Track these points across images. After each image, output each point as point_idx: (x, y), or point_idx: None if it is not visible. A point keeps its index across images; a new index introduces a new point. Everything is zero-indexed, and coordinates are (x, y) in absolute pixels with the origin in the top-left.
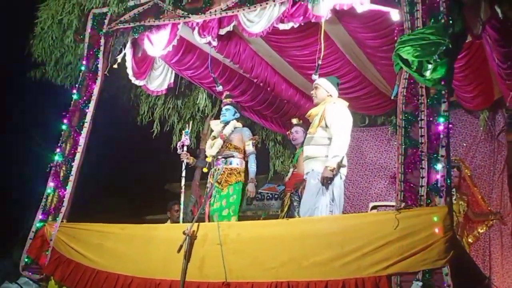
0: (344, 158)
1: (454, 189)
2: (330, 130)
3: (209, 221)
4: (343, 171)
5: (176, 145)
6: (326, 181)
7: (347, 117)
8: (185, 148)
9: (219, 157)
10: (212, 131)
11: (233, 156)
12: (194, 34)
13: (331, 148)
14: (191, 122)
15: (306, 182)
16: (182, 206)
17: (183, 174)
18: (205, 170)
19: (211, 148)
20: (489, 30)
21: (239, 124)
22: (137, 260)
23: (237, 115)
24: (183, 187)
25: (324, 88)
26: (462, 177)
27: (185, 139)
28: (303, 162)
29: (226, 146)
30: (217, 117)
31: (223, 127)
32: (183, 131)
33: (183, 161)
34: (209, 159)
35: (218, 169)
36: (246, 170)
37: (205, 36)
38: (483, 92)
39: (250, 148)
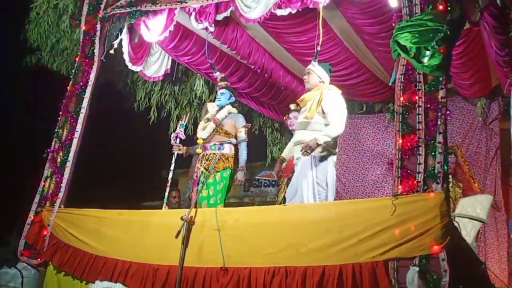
0: (337, 145)
1: (450, 176)
2: (328, 116)
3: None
4: (333, 157)
5: (171, 135)
6: (306, 150)
7: (343, 105)
8: (178, 140)
9: (209, 142)
10: (207, 112)
11: (222, 142)
12: (191, 19)
13: (326, 128)
14: (187, 115)
15: (295, 166)
16: (165, 200)
17: (172, 167)
18: (198, 151)
19: (203, 130)
20: (487, 17)
21: (234, 110)
22: (135, 245)
23: (232, 99)
24: (170, 181)
25: (317, 74)
26: (458, 163)
27: (180, 131)
28: (294, 146)
29: (217, 130)
30: (214, 99)
31: (217, 111)
32: (179, 123)
33: (173, 153)
34: (200, 141)
35: (207, 154)
36: (236, 157)
37: (202, 21)
38: (481, 80)
39: (242, 135)
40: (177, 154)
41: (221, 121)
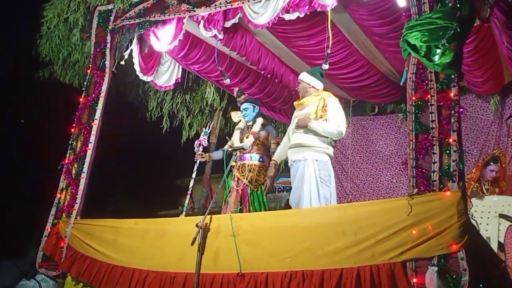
0: (330, 149)
1: (487, 182)
2: (329, 122)
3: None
4: (327, 158)
5: (194, 143)
6: (299, 123)
7: (343, 114)
8: (201, 148)
9: (248, 152)
10: (238, 122)
11: (261, 154)
12: (200, 27)
13: (323, 122)
14: (211, 123)
15: (293, 169)
16: (185, 208)
17: (193, 175)
18: (240, 162)
19: (240, 141)
20: (497, 13)
21: (264, 121)
22: (151, 254)
23: (257, 109)
24: (191, 188)
25: (306, 82)
26: (502, 171)
27: (203, 139)
28: (290, 149)
29: (255, 143)
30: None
31: (251, 125)
32: (203, 130)
33: (196, 161)
34: (238, 153)
35: (249, 165)
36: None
37: (210, 29)
38: (493, 76)
39: (274, 147)
40: (203, 161)
41: (259, 134)
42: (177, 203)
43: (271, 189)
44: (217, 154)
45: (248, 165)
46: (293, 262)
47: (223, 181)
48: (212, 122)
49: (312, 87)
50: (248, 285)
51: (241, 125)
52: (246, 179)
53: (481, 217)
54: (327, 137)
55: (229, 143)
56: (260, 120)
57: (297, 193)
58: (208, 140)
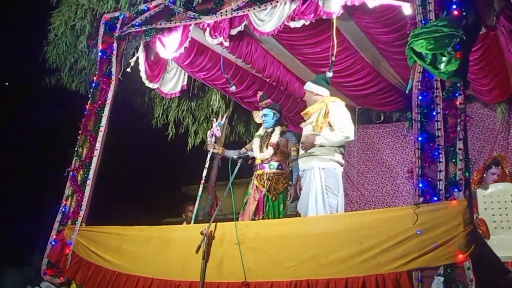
0: (338, 156)
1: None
2: (333, 126)
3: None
4: (341, 169)
5: (207, 135)
6: (304, 145)
7: (348, 115)
8: (213, 139)
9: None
10: (246, 124)
11: (280, 162)
12: (206, 35)
13: (328, 132)
14: (227, 114)
15: (301, 179)
16: (197, 204)
17: (206, 165)
18: (259, 172)
19: (259, 151)
20: (503, 21)
21: (283, 128)
22: (156, 261)
23: (277, 115)
24: (203, 180)
25: (310, 91)
26: (503, 175)
27: (216, 130)
28: (300, 158)
29: (275, 153)
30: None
31: (270, 133)
32: (216, 122)
33: (209, 150)
34: (258, 161)
35: (268, 174)
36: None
37: (216, 37)
38: (500, 85)
39: (294, 154)
40: (215, 153)
41: (277, 144)
42: (181, 210)
43: (294, 197)
44: (231, 152)
45: (267, 174)
46: (298, 271)
47: (228, 189)
48: (227, 113)
49: (317, 94)
50: None
51: (261, 131)
52: (265, 188)
53: (499, 208)
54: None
55: (247, 146)
56: (278, 129)
57: (304, 202)
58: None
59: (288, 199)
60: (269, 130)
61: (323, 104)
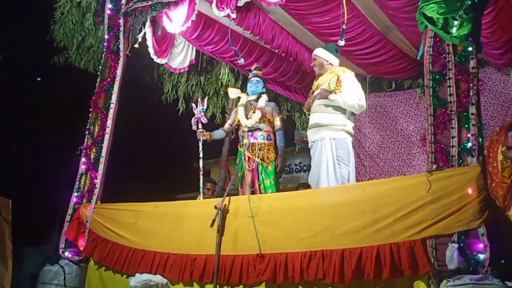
0: (349, 126)
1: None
2: (349, 95)
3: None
4: (351, 139)
5: (191, 121)
6: (320, 94)
7: (360, 86)
8: (200, 125)
9: (253, 129)
10: (238, 98)
11: (269, 130)
12: (212, 7)
13: (346, 94)
14: (206, 99)
15: (312, 150)
16: (201, 190)
17: (201, 154)
18: (245, 141)
19: (246, 118)
20: None
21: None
22: (171, 237)
23: (264, 89)
24: (201, 169)
25: (322, 58)
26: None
27: (201, 115)
28: (309, 130)
29: (261, 118)
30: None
31: (256, 100)
32: (199, 107)
33: (199, 139)
34: (245, 128)
35: (259, 144)
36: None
37: (223, 9)
38: None
39: (279, 123)
40: (203, 141)
41: (265, 108)
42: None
43: (281, 168)
44: (219, 133)
45: (259, 144)
46: (312, 242)
47: (239, 163)
48: (207, 98)
49: (330, 63)
50: (268, 266)
51: (243, 101)
52: (258, 157)
53: None
54: (345, 114)
55: (229, 122)
56: (265, 96)
57: (315, 173)
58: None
59: (277, 170)
60: (253, 97)
61: (333, 74)
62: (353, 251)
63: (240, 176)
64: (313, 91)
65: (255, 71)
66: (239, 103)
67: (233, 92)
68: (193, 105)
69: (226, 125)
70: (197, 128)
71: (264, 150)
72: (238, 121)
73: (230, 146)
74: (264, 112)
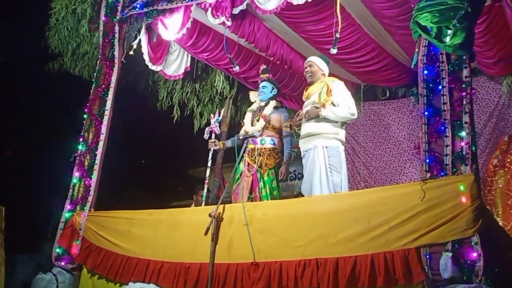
0: (341, 134)
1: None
2: (339, 106)
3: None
4: (343, 148)
5: (204, 131)
6: (308, 113)
7: (350, 95)
8: (213, 136)
9: (257, 135)
10: (250, 103)
11: (272, 137)
12: (208, 15)
13: (334, 107)
14: (223, 110)
15: (305, 159)
16: (204, 194)
17: (209, 164)
18: (251, 146)
19: (251, 125)
20: None
21: (277, 104)
22: (165, 244)
23: (275, 91)
24: (207, 178)
25: (319, 67)
26: None
27: (215, 126)
28: (301, 139)
29: (266, 126)
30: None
31: (263, 107)
32: (214, 118)
33: (210, 149)
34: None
35: (259, 149)
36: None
37: (218, 16)
38: (505, 57)
39: (287, 130)
40: (214, 150)
41: (270, 117)
42: (192, 192)
43: (286, 175)
44: (233, 141)
45: (258, 149)
46: (306, 250)
47: (235, 170)
48: (223, 109)
49: (323, 73)
50: (262, 274)
51: (254, 106)
52: (256, 164)
53: None
54: (337, 122)
55: (244, 128)
56: (273, 103)
57: (308, 182)
58: (220, 128)
59: (280, 176)
60: (263, 103)
61: (323, 84)
62: (347, 260)
63: (235, 179)
64: (302, 105)
65: (262, 75)
66: (249, 109)
67: (253, 96)
68: (211, 115)
69: (242, 131)
70: (210, 138)
71: (264, 156)
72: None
73: (225, 154)
74: (269, 120)
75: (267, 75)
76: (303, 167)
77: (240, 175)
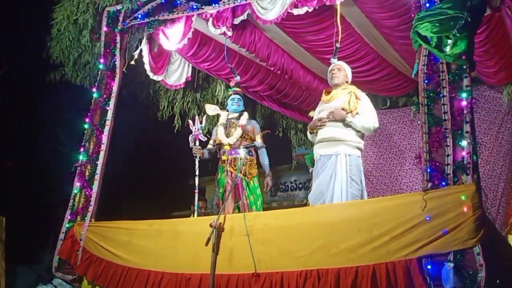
0: (362, 143)
1: None
2: (365, 117)
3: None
4: (359, 153)
5: (188, 138)
6: (334, 115)
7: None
8: (197, 143)
9: (236, 146)
10: (217, 116)
11: (249, 148)
12: (209, 25)
13: (362, 117)
14: (205, 117)
15: (320, 163)
16: (196, 208)
17: (197, 172)
18: (224, 157)
19: (226, 136)
20: (508, 2)
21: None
22: (166, 255)
23: (244, 104)
24: (197, 187)
25: (347, 73)
26: None
27: (198, 133)
28: (319, 143)
29: (243, 136)
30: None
31: (237, 118)
32: (197, 125)
33: (195, 156)
34: (227, 147)
35: (241, 159)
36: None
37: (219, 26)
38: (506, 67)
39: (260, 141)
40: (199, 158)
41: (246, 127)
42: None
43: (271, 187)
44: (206, 153)
45: (241, 159)
46: (307, 261)
47: (217, 182)
48: (205, 116)
49: (347, 80)
50: (263, 285)
51: (222, 120)
52: (240, 172)
53: None
54: (359, 132)
55: (210, 142)
56: (246, 114)
57: (321, 189)
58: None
59: (266, 189)
60: (236, 115)
61: (349, 91)
62: (349, 271)
63: (222, 192)
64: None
65: (236, 89)
66: (219, 123)
67: (210, 109)
68: (190, 121)
69: (209, 146)
70: (195, 145)
71: (246, 165)
72: (219, 140)
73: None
74: (246, 130)
75: (240, 89)
76: (315, 171)
77: (224, 186)
